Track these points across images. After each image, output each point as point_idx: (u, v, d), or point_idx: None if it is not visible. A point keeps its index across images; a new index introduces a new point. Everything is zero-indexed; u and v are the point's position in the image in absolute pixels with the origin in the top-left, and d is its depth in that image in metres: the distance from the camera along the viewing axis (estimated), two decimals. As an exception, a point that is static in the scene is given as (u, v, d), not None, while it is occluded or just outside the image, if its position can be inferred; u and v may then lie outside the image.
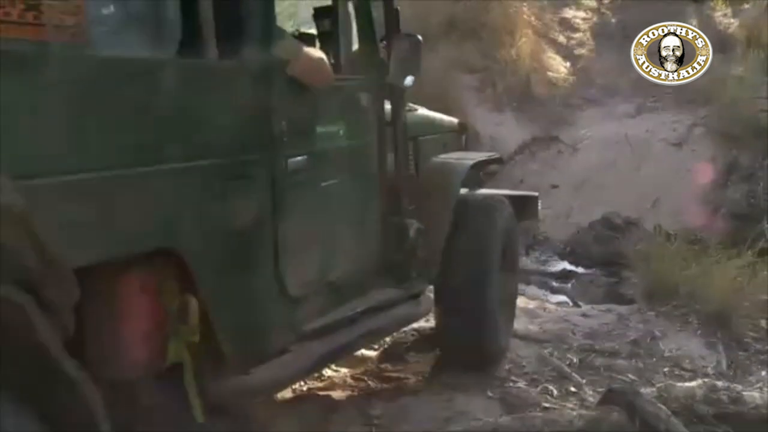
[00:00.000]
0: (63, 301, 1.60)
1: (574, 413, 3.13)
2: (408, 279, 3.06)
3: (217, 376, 2.13)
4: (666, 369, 4.04)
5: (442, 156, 3.52)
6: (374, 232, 2.94)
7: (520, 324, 4.76)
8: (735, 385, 3.39)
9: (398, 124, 3.04)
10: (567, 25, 12.08)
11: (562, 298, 6.61)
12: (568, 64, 11.57)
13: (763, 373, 4.08)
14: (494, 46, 10.39)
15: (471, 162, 3.52)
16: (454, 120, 3.99)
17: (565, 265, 7.87)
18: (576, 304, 5.92)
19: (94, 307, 1.78)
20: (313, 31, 3.10)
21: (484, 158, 3.78)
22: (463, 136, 4.00)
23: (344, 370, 3.66)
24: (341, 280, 2.72)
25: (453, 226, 3.26)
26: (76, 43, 1.73)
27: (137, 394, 1.92)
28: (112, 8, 1.90)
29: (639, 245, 6.94)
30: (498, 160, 4.12)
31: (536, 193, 4.34)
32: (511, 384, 3.58)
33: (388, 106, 3.05)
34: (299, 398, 3.28)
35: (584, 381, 3.70)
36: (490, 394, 3.43)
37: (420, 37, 3.11)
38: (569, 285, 7.26)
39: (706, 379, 3.50)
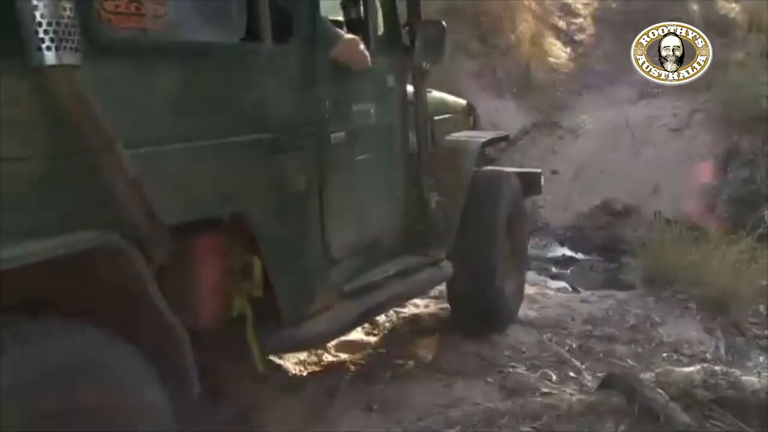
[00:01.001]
0: (160, 255, 1.86)
1: (574, 398, 3.15)
2: (429, 247, 3.28)
3: (273, 329, 2.39)
4: (665, 354, 4.05)
5: (455, 134, 3.75)
6: (400, 203, 3.21)
7: (519, 310, 4.78)
8: (733, 370, 3.40)
9: (420, 104, 3.25)
10: (567, 11, 12.02)
11: (562, 283, 6.62)
12: (568, 49, 11.53)
13: (762, 358, 4.11)
14: (494, 31, 10.35)
15: (482, 140, 3.79)
16: (463, 101, 4.22)
17: (565, 251, 7.89)
18: (575, 290, 5.93)
19: (174, 262, 1.94)
20: (340, 18, 3.25)
21: (493, 136, 4.05)
22: (471, 117, 4.20)
23: (344, 355, 3.68)
24: (373, 245, 3.00)
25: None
26: (165, 30, 1.99)
27: (207, 341, 2.09)
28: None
29: (639, 231, 6.95)
30: (505, 138, 4.34)
31: (539, 170, 4.54)
32: (510, 369, 3.59)
33: (410, 87, 3.27)
34: (300, 383, 3.29)
35: (583, 366, 3.72)
36: (489, 379, 3.45)
37: (444, 24, 3.39)
38: (569, 271, 7.27)
39: (704, 365, 3.52)
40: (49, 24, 1.56)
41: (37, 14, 1.54)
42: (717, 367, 3.39)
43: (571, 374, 3.60)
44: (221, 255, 2.22)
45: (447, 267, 3.38)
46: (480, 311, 3.72)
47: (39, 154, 1.65)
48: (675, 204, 8.30)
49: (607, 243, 7.82)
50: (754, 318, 4.74)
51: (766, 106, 8.69)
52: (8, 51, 1.56)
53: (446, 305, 4.50)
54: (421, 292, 3.64)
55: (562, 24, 11.87)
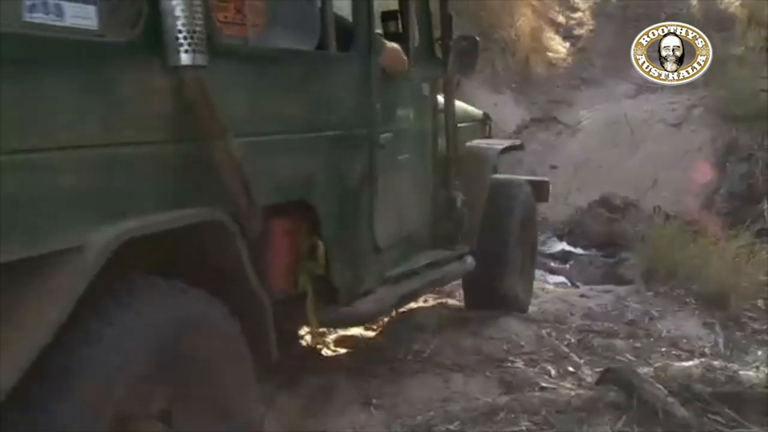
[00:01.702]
0: (252, 231, 2.12)
1: (572, 393, 3.16)
2: (455, 242, 3.62)
3: (328, 306, 2.70)
4: (663, 349, 4.06)
5: (475, 141, 4.09)
6: (431, 201, 3.53)
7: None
8: (732, 364, 3.41)
9: (449, 111, 3.57)
10: (566, 5, 12.00)
11: (561, 278, 6.62)
12: (567, 44, 11.51)
13: (760, 352, 4.11)
14: (493, 26, 10.33)
15: (500, 147, 4.15)
16: (480, 111, 4.56)
17: (564, 246, 7.88)
18: (574, 285, 5.94)
19: (256, 239, 2.18)
20: (379, 30, 3.42)
21: (509, 144, 4.41)
22: (487, 126, 4.54)
23: (343, 351, 3.68)
24: (409, 238, 3.32)
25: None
26: (260, 38, 2.33)
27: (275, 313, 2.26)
28: (277, 12, 2.45)
29: (638, 226, 6.96)
30: (520, 147, 4.74)
31: (548, 179, 4.90)
32: (509, 364, 3.59)
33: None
34: (298, 378, 3.30)
35: (582, 361, 3.72)
36: (488, 374, 3.45)
37: (477, 38, 3.80)
38: (568, 266, 7.27)
39: (703, 359, 3.53)
40: (188, 32, 1.88)
41: (179, 24, 1.88)
42: (715, 362, 3.40)
43: (570, 369, 3.61)
44: (292, 236, 2.52)
45: (470, 261, 3.70)
46: (493, 305, 4.02)
47: (168, 139, 1.94)
48: (674, 199, 8.30)
49: (606, 238, 7.81)
50: (753, 313, 4.74)
51: (765, 101, 8.68)
52: (152, 53, 1.88)
53: (444, 300, 4.50)
54: (448, 283, 3.95)
55: (561, 19, 11.85)
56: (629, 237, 7.16)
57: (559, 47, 11.18)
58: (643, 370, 3.29)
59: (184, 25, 1.88)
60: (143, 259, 1.84)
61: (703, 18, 10.24)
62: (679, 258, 5.12)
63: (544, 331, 4.16)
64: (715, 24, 9.80)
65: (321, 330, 2.90)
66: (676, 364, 3.39)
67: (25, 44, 1.58)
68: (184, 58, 1.89)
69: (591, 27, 11.91)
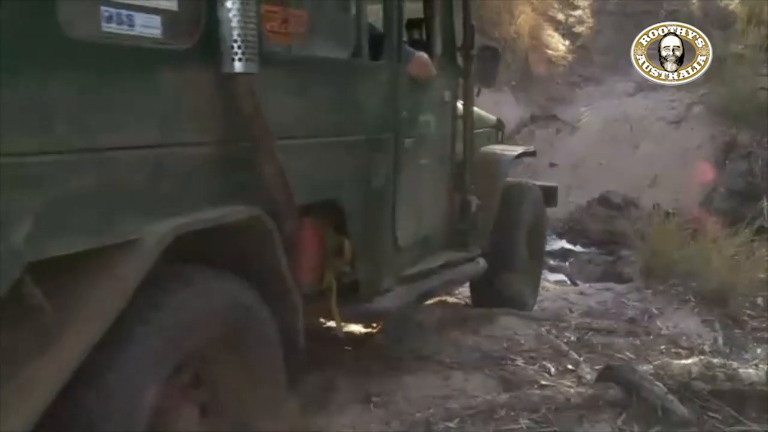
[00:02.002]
0: (289, 230, 2.25)
1: (572, 391, 3.16)
2: (468, 244, 3.74)
3: (350, 302, 2.82)
4: (663, 347, 4.06)
5: (489, 147, 4.21)
6: (447, 204, 3.65)
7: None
8: (731, 362, 3.40)
9: (468, 118, 3.71)
10: (566, 3, 12.00)
11: (560, 276, 6.63)
12: (567, 42, 11.52)
13: (759, 350, 4.11)
14: (493, 24, 10.33)
15: (514, 154, 4.25)
16: (494, 117, 4.66)
17: (563, 244, 7.89)
18: (574, 283, 5.95)
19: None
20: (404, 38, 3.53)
21: (522, 151, 4.47)
22: (499, 132, 4.63)
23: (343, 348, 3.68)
24: (426, 239, 3.44)
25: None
26: (303, 46, 2.47)
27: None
28: (317, 22, 2.58)
29: (637, 224, 6.95)
30: (532, 153, 4.80)
31: (556, 184, 4.98)
32: (508, 362, 3.59)
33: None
34: (298, 376, 3.30)
35: (582, 359, 3.72)
36: (488, 371, 3.45)
37: (499, 49, 4.05)
38: (567, 264, 7.28)
39: (702, 357, 3.52)
40: (241, 41, 2.02)
41: (234, 34, 2.01)
42: (715, 360, 3.39)
43: (570, 367, 3.61)
44: (318, 235, 2.65)
45: (482, 263, 3.80)
46: (499, 305, 4.10)
47: (218, 141, 2.08)
48: (673, 197, 8.31)
49: (605, 236, 7.82)
50: (752, 310, 4.75)
51: (764, 100, 8.68)
52: (207, 60, 2.02)
53: (444, 298, 4.51)
54: (461, 284, 4.06)
55: (560, 16, 11.85)
56: (629, 235, 7.17)
57: (558, 45, 11.18)
58: (643, 367, 3.29)
59: (238, 35, 2.02)
60: (188, 251, 1.96)
61: (702, 16, 10.25)
62: (679, 256, 5.12)
63: (543, 329, 4.16)
64: (715, 22, 9.81)
65: (344, 325, 2.98)
66: (676, 361, 3.39)
67: (102, 52, 1.74)
68: (237, 66, 2.03)
69: (590, 25, 11.91)
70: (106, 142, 1.75)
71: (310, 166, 2.45)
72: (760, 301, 4.82)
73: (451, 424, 2.88)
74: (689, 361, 3.34)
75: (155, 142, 1.89)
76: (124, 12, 1.80)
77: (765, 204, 6.49)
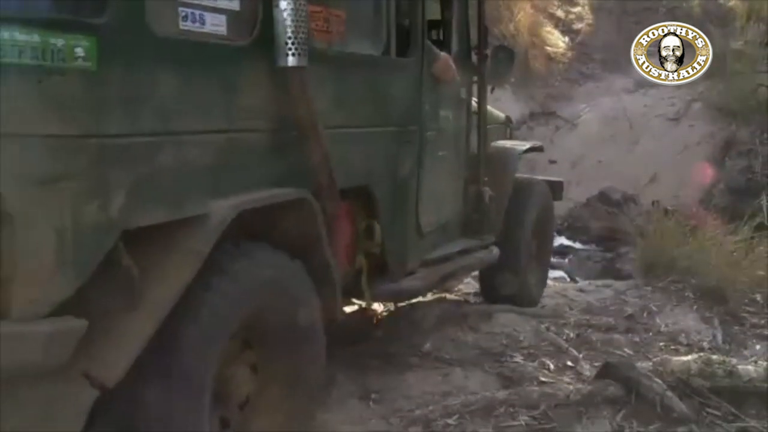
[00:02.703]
0: (331, 211, 2.47)
1: (571, 387, 3.16)
2: (482, 233, 3.91)
3: (379, 282, 3.02)
4: (662, 343, 4.06)
5: (500, 142, 4.38)
6: (462, 194, 3.85)
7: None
8: (730, 359, 3.41)
9: (482, 114, 3.92)
10: (566, 0, 11.99)
11: (560, 273, 6.63)
12: (566, 38, 11.51)
13: (758, 347, 4.12)
14: (493, 21, 10.31)
15: (523, 148, 4.45)
16: (503, 114, 4.81)
17: (563, 241, 7.89)
18: (573, 280, 5.95)
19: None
20: None
21: (530, 146, 4.66)
22: (508, 128, 4.81)
23: (342, 345, 3.68)
24: (444, 226, 3.63)
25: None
26: (342, 43, 2.68)
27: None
28: (354, 21, 2.79)
29: (636, 221, 6.96)
30: (540, 149, 5.01)
31: (562, 180, 5.20)
32: (508, 358, 3.60)
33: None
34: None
35: (581, 355, 3.73)
36: (487, 368, 3.45)
37: (515, 51, 4.19)
38: (567, 260, 7.28)
39: (701, 353, 3.53)
40: (294, 38, 2.23)
41: (288, 31, 2.23)
42: (714, 357, 3.40)
43: (569, 363, 3.61)
44: (351, 218, 2.84)
45: (495, 251, 3.98)
46: (506, 296, 4.25)
47: (272, 128, 2.31)
48: (673, 193, 8.31)
49: (605, 232, 7.83)
50: (751, 307, 4.75)
51: (764, 96, 8.68)
52: (263, 55, 2.24)
53: (442, 295, 4.51)
54: (476, 270, 4.21)
55: (560, 13, 11.84)
56: (628, 232, 7.17)
57: (558, 42, 11.18)
58: (642, 364, 3.29)
59: (292, 32, 2.23)
60: (242, 227, 2.15)
61: (702, 13, 10.24)
62: (678, 253, 5.12)
63: (542, 326, 4.16)
64: (715, 19, 9.80)
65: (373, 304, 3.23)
66: (675, 358, 3.39)
67: (179, 47, 1.99)
68: (291, 61, 2.25)
69: (590, 22, 11.90)
70: (181, 126, 1.98)
71: (346, 154, 2.62)
72: (759, 297, 4.82)
73: (450, 421, 2.88)
74: (688, 357, 3.34)
75: (221, 128, 2.13)
76: (197, 12, 2.06)
77: (764, 201, 6.48)
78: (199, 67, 2.04)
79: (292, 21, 2.23)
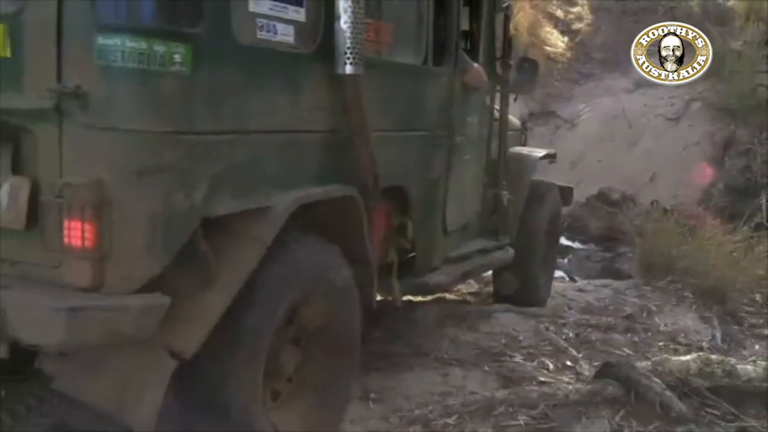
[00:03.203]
0: (373, 207, 2.68)
1: (570, 387, 3.16)
2: (499, 234, 4.10)
3: (407, 276, 3.19)
4: (661, 343, 4.07)
5: (516, 148, 4.55)
6: (482, 196, 4.02)
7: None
8: (729, 358, 3.42)
9: (504, 122, 4.13)
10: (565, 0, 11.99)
11: (559, 273, 6.62)
12: (566, 38, 11.50)
13: (757, 346, 4.13)
14: (492, 20, 10.30)
15: (539, 155, 4.65)
16: (518, 121, 5.01)
17: (562, 241, 7.87)
18: (573, 279, 5.95)
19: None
20: None
21: (545, 153, 4.85)
22: (523, 135, 4.99)
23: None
24: (465, 226, 3.81)
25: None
26: (388, 53, 2.93)
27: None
28: (399, 32, 3.02)
29: (636, 220, 6.96)
30: (554, 156, 5.13)
31: (572, 185, 5.33)
32: (507, 358, 3.60)
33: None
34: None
35: (580, 355, 3.73)
36: (486, 368, 3.46)
37: (538, 62, 4.53)
38: (566, 260, 7.28)
39: (700, 353, 3.53)
40: (352, 48, 2.44)
41: (348, 42, 2.43)
42: (713, 356, 3.40)
43: (568, 363, 3.62)
44: (386, 215, 3.00)
45: (510, 252, 4.15)
46: (518, 293, 4.41)
47: (327, 130, 2.51)
48: (672, 193, 8.31)
49: (604, 232, 7.82)
50: (750, 307, 4.76)
51: (763, 96, 8.68)
52: (324, 62, 2.45)
53: (441, 295, 4.51)
54: (493, 269, 4.37)
55: (559, 13, 11.84)
56: (627, 231, 7.17)
57: (557, 42, 11.17)
58: (641, 364, 3.30)
59: (350, 43, 2.44)
60: (295, 218, 2.35)
61: (701, 12, 10.24)
62: (677, 252, 5.13)
63: (542, 326, 4.17)
64: (714, 19, 9.80)
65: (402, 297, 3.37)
66: (674, 358, 3.40)
67: (256, 54, 2.21)
68: (348, 69, 2.45)
69: (589, 21, 11.90)
70: (254, 126, 2.21)
71: (386, 156, 2.79)
72: (758, 297, 4.84)
73: (449, 421, 2.89)
74: (687, 357, 3.34)
75: (285, 128, 2.36)
76: (272, 22, 2.27)
77: (763, 201, 6.49)
78: (270, 72, 2.27)
79: (351, 33, 2.44)
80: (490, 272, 4.71)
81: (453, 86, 3.38)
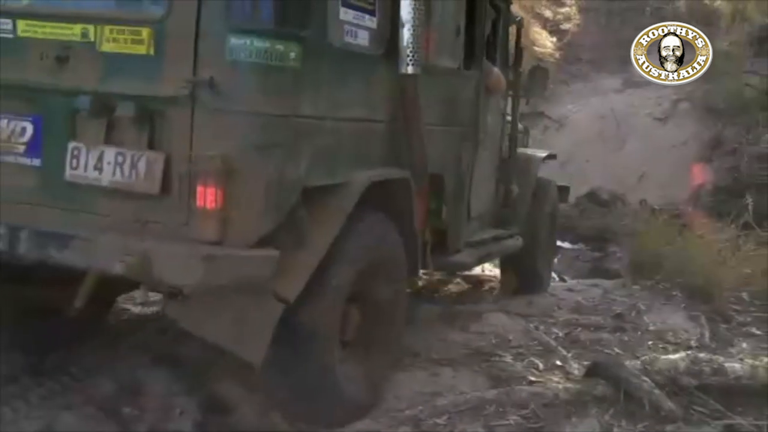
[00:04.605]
0: (421, 190, 3.10)
1: (560, 386, 3.17)
2: (509, 224, 4.53)
3: (439, 254, 3.55)
4: (650, 342, 4.08)
5: (521, 148, 4.92)
6: (496, 189, 4.45)
7: (505, 299, 4.80)
8: (717, 356, 3.43)
9: (515, 123, 4.64)
10: (554, 0, 12.03)
11: (549, 272, 6.63)
12: (554, 38, 11.55)
13: (745, 344, 4.14)
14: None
15: (543, 155, 5.16)
16: (522, 125, 5.32)
17: (552, 241, 7.89)
18: (562, 279, 5.97)
19: None
20: None
21: (547, 153, 5.32)
22: (526, 137, 5.36)
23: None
24: (482, 215, 4.21)
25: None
26: (434, 57, 3.30)
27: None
28: (442, 39, 3.44)
29: (624, 220, 7.00)
30: (554, 157, 5.63)
31: (569, 185, 5.77)
32: (497, 358, 3.60)
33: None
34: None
35: (569, 354, 3.74)
36: (476, 368, 3.46)
37: (548, 70, 5.27)
38: (555, 260, 7.30)
39: (689, 352, 3.54)
40: (413, 51, 2.90)
41: (410, 46, 2.89)
42: (701, 354, 3.41)
43: (558, 363, 3.62)
44: (426, 199, 3.29)
45: (520, 240, 4.57)
46: (523, 282, 4.88)
47: (390, 120, 2.98)
48: (660, 193, 8.36)
49: (593, 232, 7.86)
50: (738, 305, 4.78)
51: (749, 96, 8.75)
52: (390, 63, 2.92)
53: (433, 295, 4.51)
54: (504, 254, 4.71)
55: (548, 13, 11.89)
56: (616, 231, 7.20)
57: (546, 42, 11.21)
58: (630, 363, 3.30)
59: (412, 47, 2.90)
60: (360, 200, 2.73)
61: (687, 13, 10.30)
62: (665, 251, 5.15)
63: (531, 325, 4.18)
64: (700, 19, 9.84)
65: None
66: (663, 356, 3.41)
67: (342, 55, 2.66)
68: (410, 69, 2.92)
69: (578, 22, 11.96)
70: (340, 113, 2.66)
71: (430, 147, 3.14)
72: (745, 296, 4.86)
73: (439, 421, 2.88)
74: (676, 356, 3.36)
75: (361, 117, 2.82)
76: (354, 29, 2.73)
77: (750, 200, 6.53)
78: (352, 70, 2.73)
79: (412, 38, 2.89)
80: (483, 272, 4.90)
81: (479, 89, 3.87)
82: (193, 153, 2.29)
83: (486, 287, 5.23)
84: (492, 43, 4.29)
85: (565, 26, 11.87)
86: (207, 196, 2.26)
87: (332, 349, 2.69)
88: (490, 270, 5.75)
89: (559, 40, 11.51)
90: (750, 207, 6.30)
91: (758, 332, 4.39)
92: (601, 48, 11.25)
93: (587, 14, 11.94)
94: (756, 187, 7.30)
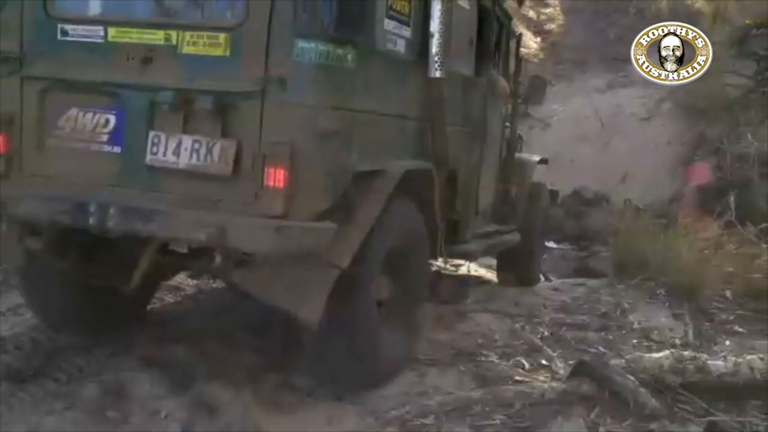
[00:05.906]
0: (442, 182, 3.48)
1: (546, 386, 3.18)
2: (508, 220, 4.93)
3: (451, 242, 3.87)
4: (635, 341, 4.10)
5: (517, 153, 5.35)
6: (496, 188, 4.84)
7: (491, 299, 4.81)
8: (701, 354, 3.45)
9: (514, 127, 5.18)
10: (537, 0, 12.07)
11: (534, 272, 6.64)
12: (538, 39, 11.59)
13: (728, 342, 4.17)
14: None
15: (537, 159, 5.60)
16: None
17: (537, 240, 7.90)
18: (547, 279, 5.99)
19: None
20: None
21: (540, 158, 5.73)
22: (520, 142, 5.65)
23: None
24: (485, 211, 4.58)
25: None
26: (453, 64, 3.61)
27: None
28: (459, 48, 3.81)
29: (609, 220, 7.02)
30: (546, 161, 5.94)
31: (559, 189, 6.35)
32: (483, 358, 3.61)
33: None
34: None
35: (555, 354, 3.75)
36: (462, 368, 3.47)
37: (546, 80, 5.93)
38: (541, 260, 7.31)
39: (673, 350, 3.56)
40: (440, 57, 3.28)
41: (439, 53, 3.28)
42: (685, 353, 3.43)
43: (543, 362, 3.64)
44: (442, 190, 3.54)
45: (517, 235, 4.97)
46: (520, 275, 5.32)
47: (419, 118, 3.38)
48: (644, 192, 8.41)
49: (578, 231, 7.88)
50: (721, 303, 4.82)
51: (732, 96, 8.81)
52: (421, 67, 3.31)
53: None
54: (504, 248, 4.98)
55: (531, 13, 11.92)
56: (601, 230, 7.23)
57: (530, 42, 11.24)
58: (615, 362, 3.32)
59: (439, 54, 3.28)
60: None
61: (669, 13, 10.36)
62: (650, 250, 5.18)
63: (517, 325, 4.20)
64: (681, 19, 9.89)
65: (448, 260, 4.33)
66: (647, 355, 3.43)
67: (385, 59, 3.08)
68: (438, 73, 3.31)
69: (561, 22, 12.01)
70: (383, 109, 3.06)
71: (450, 143, 3.53)
72: (728, 294, 4.90)
73: (426, 421, 2.89)
74: (660, 354, 3.37)
75: (398, 114, 3.22)
76: (394, 37, 3.13)
77: (733, 199, 6.57)
78: (392, 72, 3.14)
79: (440, 47, 3.26)
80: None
81: (486, 94, 4.26)
82: (262, 140, 2.64)
83: (472, 285, 5.24)
84: (496, 54, 4.68)
85: (549, 27, 11.92)
86: (276, 177, 2.60)
87: (370, 308, 3.05)
88: (475, 270, 5.77)
89: (543, 40, 11.55)
90: (732, 206, 6.34)
91: (741, 330, 4.43)
92: (585, 48, 11.30)
93: (571, 15, 11.99)
94: (738, 186, 7.35)
